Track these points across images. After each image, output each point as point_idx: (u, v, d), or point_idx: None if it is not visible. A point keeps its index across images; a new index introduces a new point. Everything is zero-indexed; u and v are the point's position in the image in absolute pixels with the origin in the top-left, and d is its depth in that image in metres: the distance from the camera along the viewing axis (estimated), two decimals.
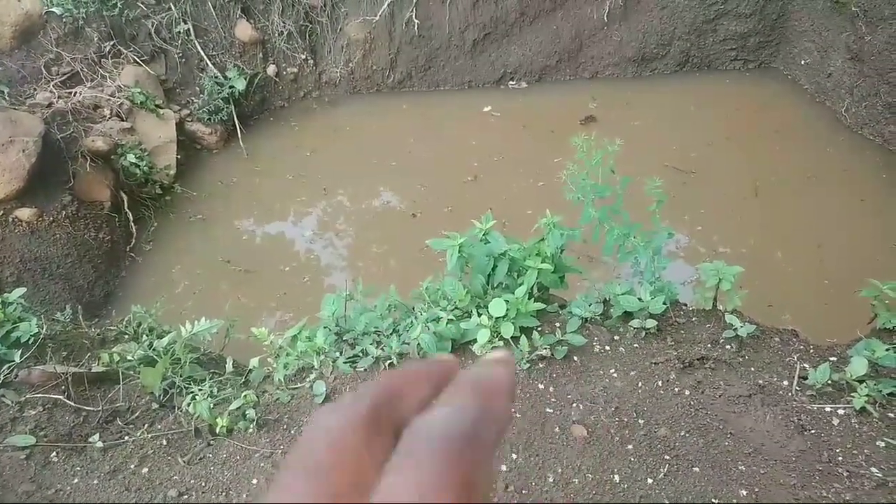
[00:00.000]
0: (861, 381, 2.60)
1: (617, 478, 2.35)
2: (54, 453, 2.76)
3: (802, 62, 7.34)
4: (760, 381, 2.73)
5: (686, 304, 3.39)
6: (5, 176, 4.91)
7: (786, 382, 2.74)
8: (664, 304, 3.15)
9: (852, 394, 2.58)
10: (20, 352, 3.22)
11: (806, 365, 2.81)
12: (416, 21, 7.15)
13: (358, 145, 6.83)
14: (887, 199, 5.69)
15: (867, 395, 2.52)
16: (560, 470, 2.40)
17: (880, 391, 2.58)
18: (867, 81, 6.44)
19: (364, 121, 7.15)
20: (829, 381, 2.65)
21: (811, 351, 2.99)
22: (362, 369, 3.11)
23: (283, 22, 7.07)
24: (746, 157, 6.32)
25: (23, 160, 4.96)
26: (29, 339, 3.36)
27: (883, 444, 2.40)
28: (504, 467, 2.45)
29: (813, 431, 2.46)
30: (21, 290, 3.68)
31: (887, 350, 2.73)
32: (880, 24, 6.24)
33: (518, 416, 2.70)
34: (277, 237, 5.84)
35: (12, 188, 4.93)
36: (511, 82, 7.63)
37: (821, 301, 4.69)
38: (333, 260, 5.63)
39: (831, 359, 2.88)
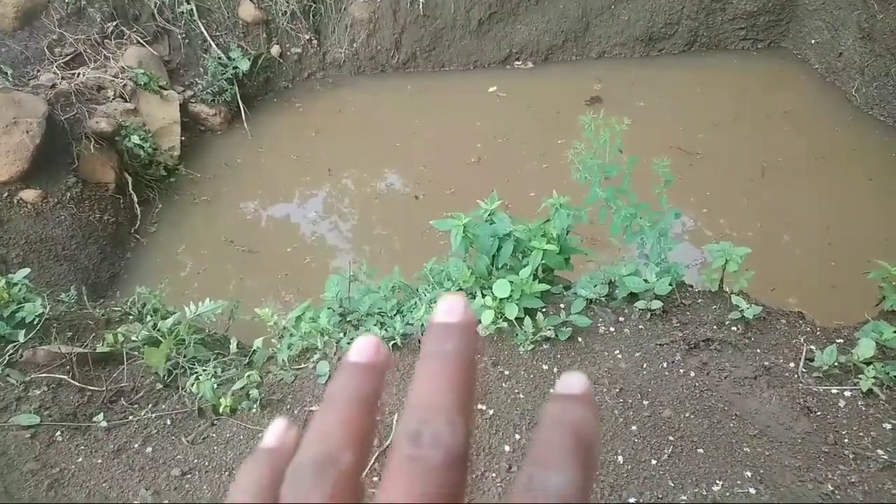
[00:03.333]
0: (868, 363, 2.58)
1: (621, 459, 2.35)
2: (59, 432, 2.77)
3: (812, 41, 7.22)
4: (766, 363, 2.71)
5: (692, 286, 3.36)
6: (9, 157, 4.89)
7: (792, 364, 2.72)
8: (670, 285, 3.13)
9: (859, 376, 2.56)
10: (25, 332, 3.24)
11: (812, 347, 2.79)
12: (421, 0, 7.06)
13: (362, 126, 6.78)
14: None
15: (874, 378, 2.50)
16: None
17: (887, 373, 2.55)
18: (879, 61, 6.34)
19: (368, 102, 7.09)
20: (836, 363, 2.63)
21: (818, 333, 2.97)
22: None
23: (287, 2, 6.99)
24: (754, 138, 6.24)
25: (27, 141, 4.95)
26: (34, 319, 3.37)
27: (889, 427, 2.38)
28: (507, 447, 2.45)
29: (819, 413, 2.44)
30: (25, 271, 3.69)
31: (895, 332, 2.70)
32: (893, 1, 6.12)
33: (522, 397, 2.69)
34: (281, 218, 5.83)
35: (16, 169, 4.92)
36: (517, 62, 7.54)
37: (828, 283, 4.65)
38: (337, 241, 5.62)
39: (838, 341, 2.85)
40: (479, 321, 3.12)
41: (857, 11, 6.55)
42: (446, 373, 0.35)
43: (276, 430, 0.39)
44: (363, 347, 0.38)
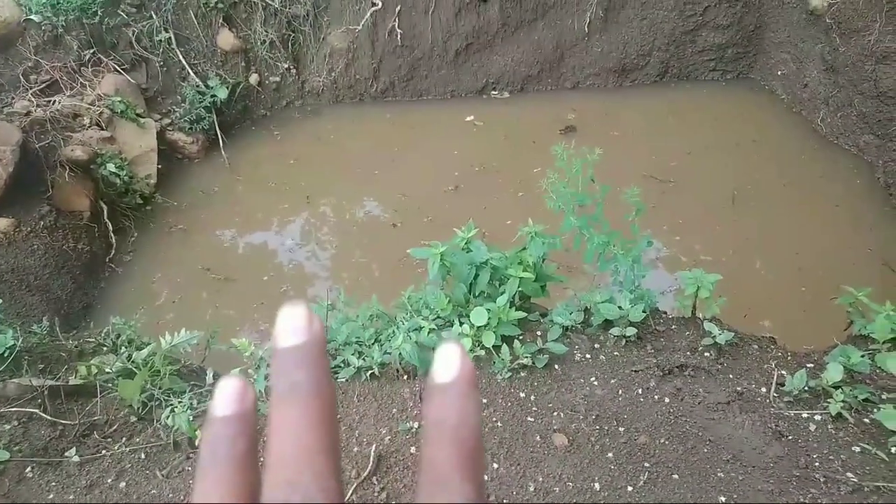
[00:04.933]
0: (837, 388, 2.64)
1: (597, 486, 2.36)
2: (29, 468, 2.71)
3: (779, 73, 7.46)
4: (739, 388, 2.76)
5: (665, 313, 3.42)
6: None
7: (764, 389, 2.77)
8: (644, 311, 3.18)
9: (828, 400, 2.62)
10: None
11: (784, 372, 2.85)
12: (399, 31, 7.18)
13: (341, 154, 6.83)
14: (862, 205, 5.79)
15: (843, 401, 2.56)
16: (541, 479, 2.41)
17: (856, 397, 2.62)
18: (842, 92, 6.57)
19: (347, 130, 7.15)
20: (806, 388, 2.69)
21: (789, 358, 3.03)
22: (344, 380, 3.10)
23: (266, 31, 7.06)
24: (724, 166, 6.40)
25: None
26: (4, 351, 3.31)
27: (858, 450, 2.44)
28: (486, 477, 2.46)
29: (790, 437, 2.49)
30: None
31: (862, 356, 2.78)
32: (853, 35, 6.37)
33: (500, 425, 2.71)
34: (258, 246, 5.81)
35: None
36: (493, 92, 7.68)
37: (799, 308, 4.76)
38: (314, 269, 5.61)
39: (808, 365, 2.92)
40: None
41: (820, 44, 6.80)
42: (301, 411, 0.33)
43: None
44: (226, 397, 0.35)
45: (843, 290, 3.28)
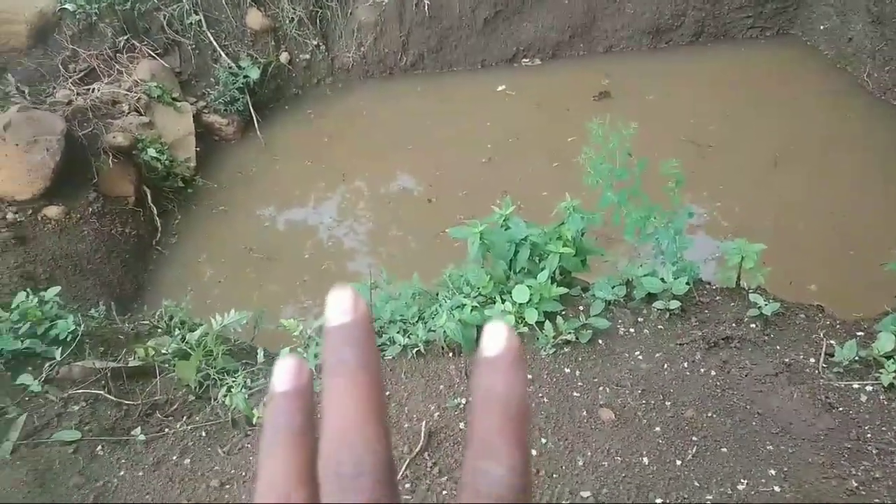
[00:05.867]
0: (889, 357, 2.61)
1: (646, 460, 2.40)
2: (100, 447, 2.87)
3: (821, 27, 7.19)
4: (787, 360, 2.75)
5: (709, 283, 3.40)
6: (31, 175, 5.00)
7: (812, 360, 2.76)
8: (687, 283, 3.17)
9: (880, 370, 2.60)
10: (60, 349, 3.33)
11: (832, 342, 2.83)
12: (427, 1, 7.10)
13: (374, 130, 6.84)
14: None
15: (895, 372, 2.54)
16: (589, 453, 2.46)
17: None
18: (889, 45, 6.31)
19: (379, 105, 7.15)
20: (857, 358, 2.67)
21: (837, 327, 3.00)
22: (390, 357, 3.18)
23: (294, 8, 7.05)
24: (765, 128, 6.24)
25: (47, 159, 5.05)
26: (67, 336, 3.47)
27: None
28: (534, 451, 2.51)
29: (841, 409, 2.48)
30: (56, 289, 3.79)
31: None
32: None
33: (546, 400, 2.75)
34: (298, 224, 5.91)
35: (39, 187, 5.03)
36: (524, 60, 7.56)
37: (846, 273, 4.66)
38: (353, 245, 5.69)
39: (858, 334, 2.89)
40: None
41: None
42: (348, 384, 0.35)
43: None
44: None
45: (893, 255, 3.22)
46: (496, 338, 0.36)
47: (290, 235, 5.81)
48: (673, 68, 7.25)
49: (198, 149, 6.28)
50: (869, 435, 2.35)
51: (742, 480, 2.26)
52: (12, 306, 3.52)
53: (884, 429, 2.36)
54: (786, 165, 5.79)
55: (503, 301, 3.24)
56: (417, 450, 2.59)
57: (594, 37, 7.54)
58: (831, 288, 4.47)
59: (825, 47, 7.11)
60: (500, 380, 0.35)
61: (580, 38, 7.51)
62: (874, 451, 2.27)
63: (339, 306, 0.37)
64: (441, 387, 2.91)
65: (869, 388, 2.55)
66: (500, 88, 7.21)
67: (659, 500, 2.23)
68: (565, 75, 7.32)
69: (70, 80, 6.22)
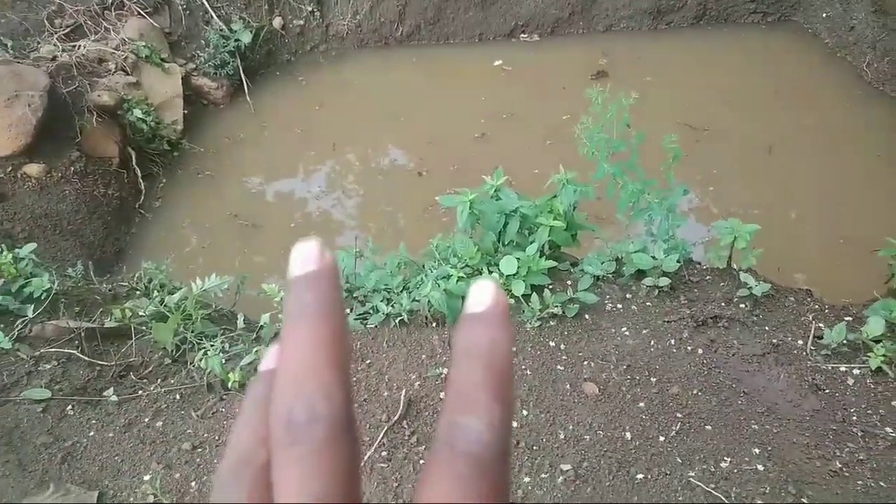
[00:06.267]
0: (877, 341, 2.58)
1: (629, 435, 2.36)
2: (70, 406, 2.79)
3: (823, 15, 7.10)
4: (774, 341, 2.71)
5: (700, 263, 3.35)
6: (12, 131, 4.85)
7: (800, 342, 2.72)
8: (678, 262, 3.12)
9: (868, 354, 2.56)
10: (33, 307, 3.24)
11: (821, 325, 2.79)
12: None
13: (366, 100, 6.72)
14: None
15: (883, 356, 2.51)
16: (571, 427, 2.41)
17: None
18: (891, 35, 6.24)
19: (372, 75, 7.01)
20: (845, 341, 2.63)
21: (826, 311, 2.97)
22: (373, 326, 3.11)
23: None
24: (762, 114, 6.17)
25: (29, 115, 4.90)
26: (41, 294, 3.38)
27: None
28: (515, 423, 2.46)
29: (827, 391, 2.45)
30: (32, 246, 3.68)
31: None
32: None
33: (529, 373, 2.70)
34: (285, 193, 5.81)
35: (19, 143, 4.88)
36: (523, 35, 7.44)
37: (837, 260, 4.64)
38: (341, 217, 5.60)
39: (847, 319, 2.85)
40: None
41: None
42: (308, 330, 0.33)
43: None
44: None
45: (884, 243, 3.18)
46: (484, 294, 0.35)
47: (277, 204, 5.71)
48: (672, 50, 7.16)
49: (185, 112, 6.13)
50: (855, 417, 2.31)
51: (725, 458, 2.22)
52: None
53: (870, 412, 2.33)
54: (780, 152, 5.74)
55: (490, 272, 3.17)
56: (395, 418, 2.54)
57: (594, 15, 7.42)
58: (821, 275, 4.44)
59: (826, 35, 7.04)
60: (485, 333, 0.33)
61: (580, 15, 7.39)
62: (859, 434, 2.24)
63: (304, 256, 0.35)
64: (423, 356, 2.85)
65: (856, 371, 2.52)
66: (496, 63, 7.09)
67: (640, 475, 2.19)
68: (563, 53, 7.21)
69: (55, 36, 6.03)
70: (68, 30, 6.20)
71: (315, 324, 0.33)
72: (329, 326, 0.33)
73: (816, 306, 3.03)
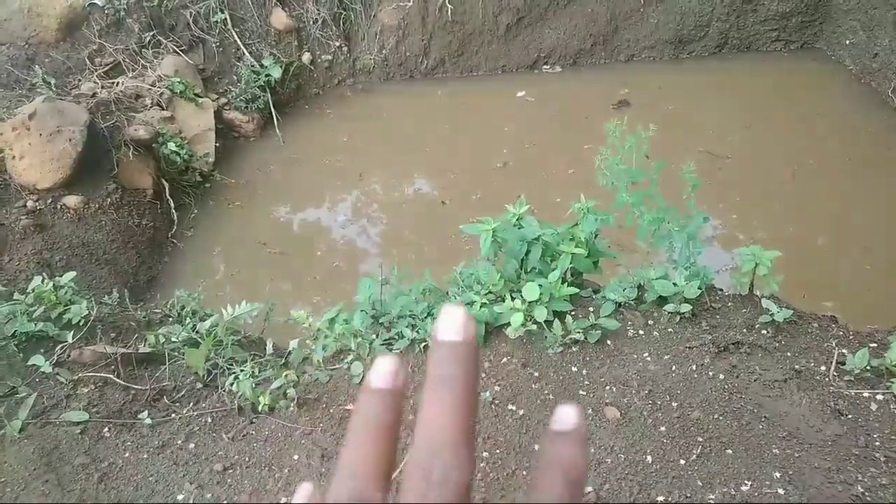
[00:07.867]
0: None
1: (649, 458, 2.38)
2: (106, 429, 2.90)
3: (847, 42, 7.12)
4: (797, 366, 2.72)
5: (721, 290, 3.37)
6: (53, 165, 5.09)
7: (823, 367, 2.72)
8: (699, 288, 3.14)
9: (892, 379, 2.55)
10: (72, 333, 3.37)
11: (844, 350, 2.78)
12: (450, 6, 7.15)
13: (392, 132, 6.88)
14: None
15: None
16: (592, 450, 2.43)
17: None
18: None
19: (398, 107, 7.19)
20: (868, 367, 2.62)
21: (850, 337, 2.96)
22: (398, 351, 3.18)
23: (318, 9, 7.14)
24: (785, 141, 6.18)
25: (69, 149, 5.14)
26: (80, 320, 3.52)
27: None
28: (537, 446, 2.50)
29: (850, 416, 2.44)
30: (71, 274, 3.84)
31: None
32: None
33: (552, 397, 2.74)
34: (312, 222, 5.95)
35: (60, 176, 5.11)
36: (545, 66, 7.58)
37: (862, 287, 4.60)
38: (365, 245, 5.71)
39: (871, 345, 2.84)
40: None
41: (893, 11, 6.46)
42: (452, 402, 0.37)
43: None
44: (384, 373, 0.40)
45: None
46: (568, 414, 0.40)
47: (304, 233, 5.85)
48: (694, 79, 7.23)
49: (217, 145, 6.36)
50: (878, 442, 2.30)
51: (746, 482, 2.22)
52: (28, 290, 3.58)
53: (893, 437, 2.32)
54: (805, 179, 5.73)
55: (513, 299, 3.23)
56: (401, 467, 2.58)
57: (616, 46, 7.54)
58: (847, 302, 4.40)
59: (850, 62, 7.05)
60: (568, 452, 0.38)
61: (602, 46, 7.52)
62: (882, 459, 2.23)
63: (452, 323, 0.39)
64: None
65: (880, 396, 2.51)
66: (519, 94, 7.22)
67: (661, 499, 2.20)
68: (585, 83, 7.32)
69: (95, 74, 6.34)
70: (108, 68, 6.51)
71: (460, 397, 0.37)
72: (466, 398, 0.38)
73: (840, 332, 3.02)
